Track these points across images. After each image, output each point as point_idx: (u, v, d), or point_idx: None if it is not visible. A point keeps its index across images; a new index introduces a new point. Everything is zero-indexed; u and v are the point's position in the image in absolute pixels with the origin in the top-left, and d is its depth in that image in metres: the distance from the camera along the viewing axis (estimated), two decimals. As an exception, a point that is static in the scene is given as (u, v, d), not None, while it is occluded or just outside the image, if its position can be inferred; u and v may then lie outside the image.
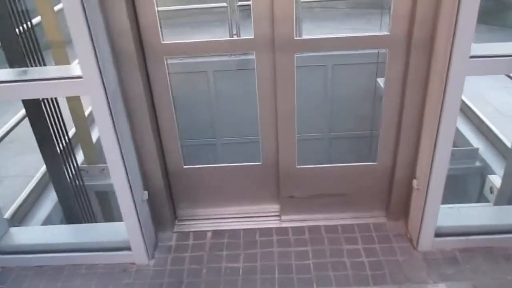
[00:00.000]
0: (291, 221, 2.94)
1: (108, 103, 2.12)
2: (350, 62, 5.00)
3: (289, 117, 2.60)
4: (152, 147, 2.60)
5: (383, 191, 2.88)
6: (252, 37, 2.38)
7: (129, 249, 2.62)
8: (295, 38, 2.38)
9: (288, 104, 2.56)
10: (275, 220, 2.98)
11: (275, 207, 3.00)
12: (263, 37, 2.37)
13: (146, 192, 2.67)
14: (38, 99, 2.96)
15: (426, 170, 2.43)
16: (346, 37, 2.41)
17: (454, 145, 2.90)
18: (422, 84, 2.38)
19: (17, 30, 2.83)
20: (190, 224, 3.00)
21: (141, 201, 2.59)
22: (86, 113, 3.95)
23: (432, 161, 2.35)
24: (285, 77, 2.48)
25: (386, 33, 2.34)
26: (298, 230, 2.88)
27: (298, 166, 2.78)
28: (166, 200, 2.83)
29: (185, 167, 2.84)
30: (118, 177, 2.34)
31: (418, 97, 2.42)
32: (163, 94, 2.53)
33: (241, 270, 2.61)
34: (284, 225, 2.93)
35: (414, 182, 2.64)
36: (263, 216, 3.00)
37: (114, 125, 2.18)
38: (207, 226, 2.97)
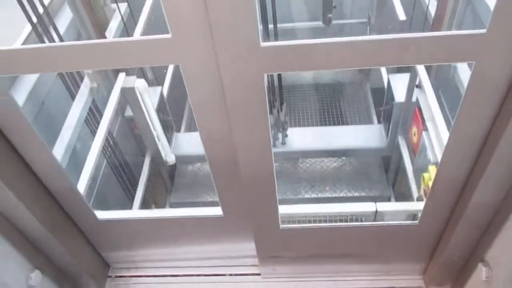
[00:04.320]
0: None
1: None
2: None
3: (262, 159, 1.41)
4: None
5: (421, 256, 1.79)
6: (169, 36, 1.09)
7: None
8: (262, 44, 1.09)
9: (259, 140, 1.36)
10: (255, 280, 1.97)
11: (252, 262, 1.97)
12: (190, 34, 1.09)
13: (36, 273, 1.66)
14: None
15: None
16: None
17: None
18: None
19: None
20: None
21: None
22: None
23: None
24: (246, 102, 1.24)
25: (478, 31, 1.01)
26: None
27: (284, 226, 1.67)
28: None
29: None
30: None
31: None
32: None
33: None
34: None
35: (483, 269, 1.53)
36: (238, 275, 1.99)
37: None
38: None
